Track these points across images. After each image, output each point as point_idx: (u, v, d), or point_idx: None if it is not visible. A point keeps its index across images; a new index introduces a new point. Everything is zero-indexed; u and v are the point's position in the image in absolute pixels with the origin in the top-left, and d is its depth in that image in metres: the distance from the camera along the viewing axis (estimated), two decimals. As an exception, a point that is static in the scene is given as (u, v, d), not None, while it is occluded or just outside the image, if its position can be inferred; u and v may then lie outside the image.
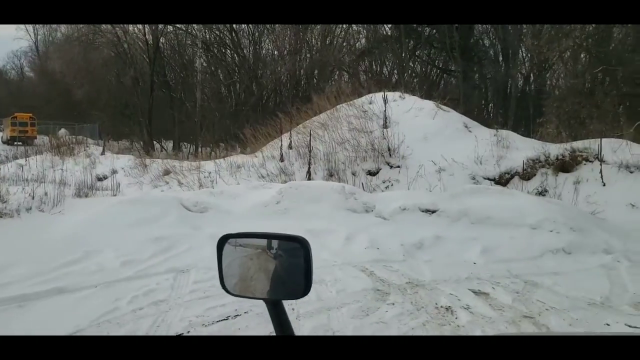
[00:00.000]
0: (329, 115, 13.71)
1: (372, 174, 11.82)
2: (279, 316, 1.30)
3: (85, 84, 36.77)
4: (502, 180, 10.94)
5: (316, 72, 29.11)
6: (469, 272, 6.28)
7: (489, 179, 10.98)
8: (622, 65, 14.75)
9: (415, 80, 24.67)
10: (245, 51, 31.93)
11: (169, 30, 31.58)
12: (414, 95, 15.62)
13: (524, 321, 4.70)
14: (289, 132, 13.39)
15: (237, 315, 4.61)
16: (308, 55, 29.72)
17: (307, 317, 4.58)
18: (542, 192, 10.30)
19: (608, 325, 4.67)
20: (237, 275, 1.41)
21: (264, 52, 32.16)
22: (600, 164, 10.32)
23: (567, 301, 5.33)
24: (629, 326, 4.64)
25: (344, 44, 30.53)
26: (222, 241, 1.39)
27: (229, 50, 32.82)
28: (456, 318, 4.72)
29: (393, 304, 5.07)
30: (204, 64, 32.53)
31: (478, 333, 4.36)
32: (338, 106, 14.18)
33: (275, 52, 30.34)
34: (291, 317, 4.18)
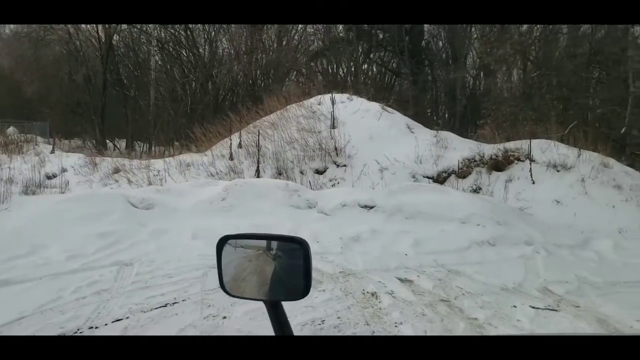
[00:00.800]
0: (279, 115, 14.07)
1: (319, 172, 12.25)
2: (278, 317, 1.29)
3: (36, 81, 35.79)
4: (440, 178, 11.56)
5: (272, 72, 29.38)
6: (399, 263, 6.75)
7: (427, 177, 11.58)
8: (556, 70, 15.67)
9: (368, 82, 25.26)
10: (201, 50, 31.87)
11: (123, 27, 31.20)
12: (364, 97, 16.14)
13: (440, 304, 5.18)
14: (239, 132, 13.67)
15: (176, 302, 4.93)
16: (263, 55, 29.94)
17: (242, 304, 4.93)
18: (476, 190, 10.96)
19: (515, 307, 5.20)
20: (236, 277, 1.40)
21: (220, 51, 32.19)
22: (530, 164, 11.06)
23: (483, 287, 5.86)
24: (533, 307, 5.19)
25: (300, 45, 30.92)
26: (222, 242, 1.38)
27: (184, 49, 32.68)
28: (379, 302, 5.17)
29: (324, 290, 5.48)
30: (159, 63, 32.29)
31: (397, 314, 4.82)
32: (288, 107, 14.56)
33: (232, 52, 30.42)
34: (232, 301, 4.53)
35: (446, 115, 23.24)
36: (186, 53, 32.90)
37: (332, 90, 15.46)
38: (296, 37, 30.86)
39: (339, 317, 4.65)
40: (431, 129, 14.16)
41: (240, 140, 13.22)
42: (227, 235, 1.39)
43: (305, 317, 4.62)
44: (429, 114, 24.30)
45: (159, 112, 28.47)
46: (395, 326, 4.50)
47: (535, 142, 11.54)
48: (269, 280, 1.35)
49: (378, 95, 20.00)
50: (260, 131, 13.31)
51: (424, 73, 25.15)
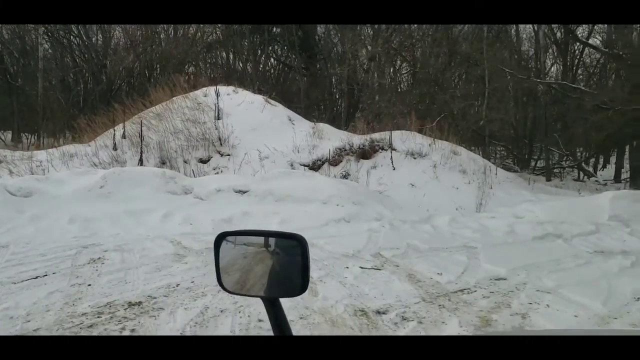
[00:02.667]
0: (165, 106, 14.48)
1: (203, 161, 12.90)
2: (276, 314, 1.29)
3: None
4: (315, 166, 12.67)
5: (165, 63, 29.14)
6: (262, 239, 7.67)
7: (304, 165, 12.64)
8: (424, 68, 17.36)
9: (259, 75, 25.96)
10: (93, 39, 30.85)
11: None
12: (250, 89, 16.91)
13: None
14: (123, 123, 13.93)
15: (46, 275, 5.49)
16: (159, 46, 29.60)
17: (108, 274, 5.60)
18: (345, 176, 12.18)
19: (347, 267, 6.26)
20: (234, 273, 1.40)
21: (114, 40, 31.32)
22: (391, 152, 12.45)
23: (328, 254, 6.90)
24: (361, 267, 6.27)
25: (197, 36, 30.89)
26: (219, 239, 1.39)
27: (75, 37, 31.44)
28: (233, 269, 6.04)
29: (186, 263, 6.24)
30: (49, 51, 30.84)
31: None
32: (174, 98, 15.00)
33: (127, 41, 29.76)
34: (99, 273, 5.23)
35: (334, 108, 24.57)
36: (77, 41, 31.70)
37: (219, 83, 16.07)
38: (192, 28, 30.80)
39: (192, 282, 5.46)
40: (311, 121, 15.25)
41: (124, 131, 13.51)
42: (225, 232, 1.40)
43: (163, 282, 5.39)
44: (319, 107, 25.53)
45: (49, 102, 27.34)
46: (240, 286, 5.39)
47: (397, 133, 12.97)
48: (267, 276, 1.34)
49: (268, 88, 20.87)
50: (145, 122, 13.68)
51: (315, 67, 26.29)
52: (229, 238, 1.41)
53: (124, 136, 13.35)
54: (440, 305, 5.02)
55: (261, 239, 1.41)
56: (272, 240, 1.40)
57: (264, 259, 1.39)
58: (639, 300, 5.33)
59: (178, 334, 4.11)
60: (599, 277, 6.11)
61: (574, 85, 17.39)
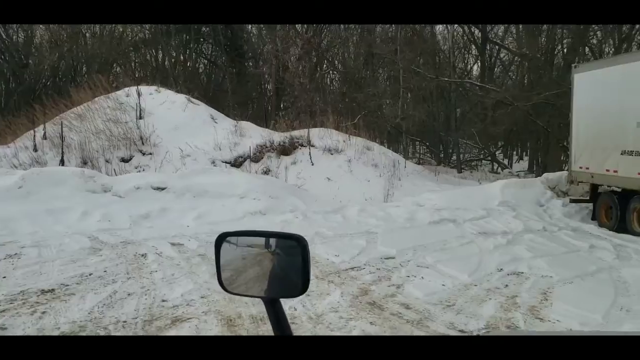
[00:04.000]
0: (86, 107, 14.50)
1: (125, 160, 13.09)
2: (276, 314, 1.30)
3: None
4: (237, 163, 13.16)
5: (91, 62, 28.54)
6: (179, 232, 8.09)
7: (225, 162, 13.10)
8: (345, 68, 18.17)
9: (186, 74, 26.02)
10: (14, 37, 29.71)
11: None
12: (173, 89, 17.12)
13: (196, 257, 6.64)
14: (44, 123, 13.85)
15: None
16: (85, 45, 28.93)
17: (24, 267, 5.91)
18: (266, 172, 12.76)
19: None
20: (234, 274, 1.41)
21: (36, 39, 30.28)
22: (309, 149, 13.14)
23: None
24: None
25: (124, 35, 30.40)
26: (220, 239, 1.40)
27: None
28: (146, 259, 6.48)
29: (101, 255, 6.63)
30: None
31: (156, 265, 6.17)
32: (96, 98, 15.02)
33: (51, 40, 28.86)
34: (11, 269, 5.56)
35: (262, 107, 25.03)
36: (-3, 38, 30.39)
37: (143, 82, 16.21)
38: (119, 26, 30.29)
39: (105, 271, 5.87)
40: (235, 119, 15.70)
41: (45, 132, 13.46)
42: (225, 233, 1.41)
43: (77, 272, 5.78)
44: (247, 105, 25.90)
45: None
46: (151, 273, 5.87)
47: (315, 131, 13.68)
48: (267, 277, 1.36)
49: (194, 87, 21.07)
50: (67, 123, 13.68)
51: (243, 66, 26.64)
52: (230, 239, 1.40)
53: (44, 137, 13.30)
54: (329, 281, 5.70)
55: (262, 240, 1.40)
56: (272, 241, 1.38)
57: (264, 260, 1.39)
58: (501, 270, 6.23)
59: (87, 314, 4.56)
60: (474, 254, 7.02)
61: (477, 84, 18.77)
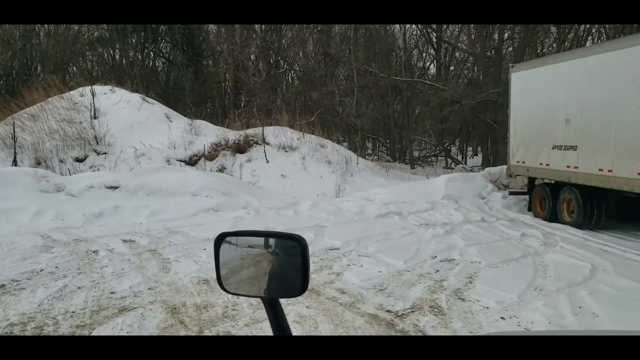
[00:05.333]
0: (40, 107, 14.42)
1: (79, 160, 13.11)
2: (276, 314, 1.31)
3: None
4: (192, 161, 13.35)
5: (48, 62, 28.01)
6: (131, 229, 8.30)
7: (180, 160, 13.28)
8: (301, 68, 18.48)
9: (143, 73, 25.89)
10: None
11: None
12: (128, 88, 17.12)
13: (146, 253, 6.87)
14: (-6, 124, 13.73)
15: None
16: (39, 44, 28.35)
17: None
18: (221, 169, 12.99)
19: (205, 249, 7.11)
20: (234, 274, 1.42)
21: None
22: (264, 146, 13.43)
23: (189, 239, 7.71)
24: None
25: (80, 34, 29.91)
26: (219, 239, 1.40)
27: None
28: (97, 255, 6.67)
29: (53, 252, 6.78)
30: None
31: (107, 261, 6.38)
32: (50, 99, 14.94)
33: (3, 38, 28.14)
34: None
35: (219, 105, 25.18)
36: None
37: (97, 82, 16.17)
38: (75, 25, 29.77)
39: (56, 267, 6.06)
40: (191, 118, 15.84)
41: (-4, 133, 13.35)
42: (225, 233, 1.41)
43: (28, 268, 5.94)
44: (205, 103, 25.97)
45: None
46: (101, 268, 6.09)
47: (270, 129, 13.98)
48: (267, 277, 1.36)
49: (151, 85, 21.03)
50: (19, 123, 13.59)
51: (201, 65, 26.67)
52: (229, 239, 1.39)
53: (-5, 138, 13.20)
54: (273, 271, 6.02)
55: (261, 240, 1.40)
56: (271, 241, 1.38)
57: (263, 260, 1.38)
58: (434, 258, 6.69)
59: (36, 306, 4.78)
60: (413, 243, 7.47)
61: (427, 82, 19.43)
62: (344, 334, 4.28)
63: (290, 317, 4.53)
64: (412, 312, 4.76)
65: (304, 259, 1.28)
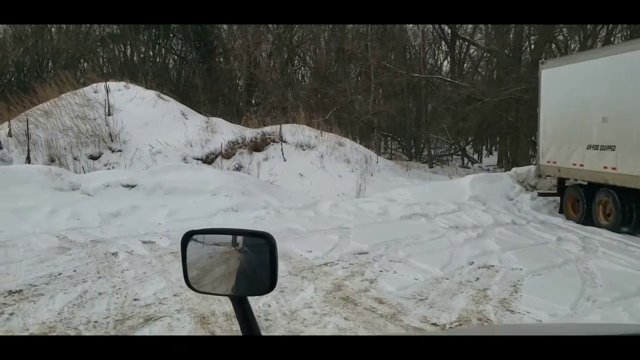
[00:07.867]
0: (53, 103, 14.17)
1: (94, 158, 12.84)
2: (244, 312, 1.29)
3: None
4: (208, 159, 13.05)
5: (60, 58, 27.87)
6: (150, 230, 8.01)
7: (197, 158, 12.98)
8: (316, 64, 18.15)
9: (155, 70, 25.66)
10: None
11: None
12: (142, 85, 16.85)
13: (168, 255, 6.56)
14: (8, 120, 13.49)
15: None
16: (50, 40, 28.22)
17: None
18: (238, 168, 12.68)
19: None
20: (201, 272, 1.39)
21: (0, 33, 29.39)
22: (282, 145, 13.11)
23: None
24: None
25: (91, 30, 29.75)
26: (187, 237, 1.38)
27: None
28: (117, 258, 6.38)
29: (70, 254, 6.50)
30: None
31: (127, 264, 6.08)
32: (63, 95, 14.69)
33: (15, 34, 28.06)
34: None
35: (234, 103, 24.88)
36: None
37: (111, 78, 15.92)
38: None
39: (74, 271, 5.76)
40: (207, 115, 15.55)
41: (10, 129, 13.11)
42: (192, 231, 1.39)
43: (45, 272, 5.65)
44: (219, 101, 25.69)
45: None
46: (122, 272, 5.78)
47: (287, 127, 13.65)
48: (235, 275, 1.34)
49: (163, 82, 20.77)
50: (33, 119, 13.35)
51: (214, 62, 26.39)
52: (196, 237, 1.38)
53: (9, 134, 12.95)
54: (303, 277, 5.71)
55: (229, 238, 1.39)
56: (239, 239, 1.37)
57: (231, 258, 1.37)
58: (472, 264, 6.34)
59: (56, 314, 4.48)
60: (445, 248, 7.12)
61: (447, 79, 19.01)
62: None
63: (328, 330, 4.21)
64: (460, 325, 4.41)
65: (272, 256, 1.27)
